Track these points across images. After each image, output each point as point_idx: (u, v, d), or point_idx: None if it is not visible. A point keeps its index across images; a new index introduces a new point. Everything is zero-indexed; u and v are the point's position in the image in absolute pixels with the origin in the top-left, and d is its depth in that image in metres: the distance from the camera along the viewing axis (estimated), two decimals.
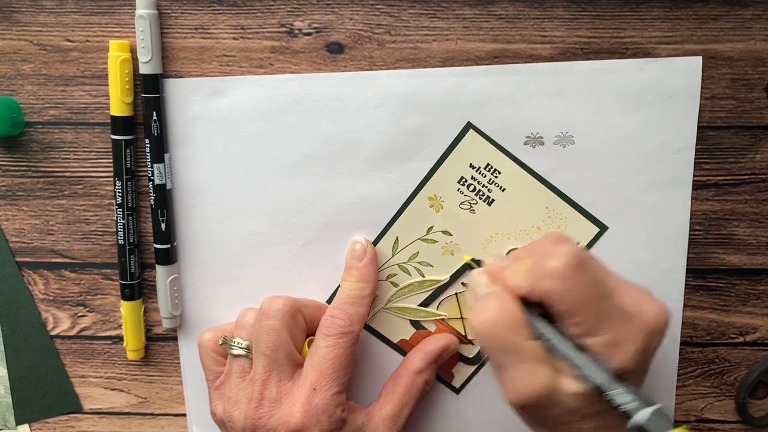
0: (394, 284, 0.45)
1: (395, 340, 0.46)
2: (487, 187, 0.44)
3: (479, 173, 0.44)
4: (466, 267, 0.45)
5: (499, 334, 0.38)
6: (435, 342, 0.45)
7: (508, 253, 0.45)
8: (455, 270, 0.46)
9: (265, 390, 0.41)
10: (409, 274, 0.45)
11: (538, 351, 0.37)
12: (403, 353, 0.46)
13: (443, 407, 0.48)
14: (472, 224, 0.45)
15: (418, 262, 0.45)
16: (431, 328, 0.46)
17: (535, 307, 0.38)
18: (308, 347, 0.43)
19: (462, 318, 0.46)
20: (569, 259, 0.36)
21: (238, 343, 0.43)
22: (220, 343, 0.44)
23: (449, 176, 0.44)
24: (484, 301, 0.39)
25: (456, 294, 0.46)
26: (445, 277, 0.46)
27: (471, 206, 0.45)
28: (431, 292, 0.46)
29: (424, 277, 0.45)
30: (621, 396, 0.35)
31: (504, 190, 0.44)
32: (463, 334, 0.46)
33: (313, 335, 0.44)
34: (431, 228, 0.45)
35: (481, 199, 0.44)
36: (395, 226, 0.45)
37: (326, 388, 0.40)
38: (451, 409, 0.48)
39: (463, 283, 0.46)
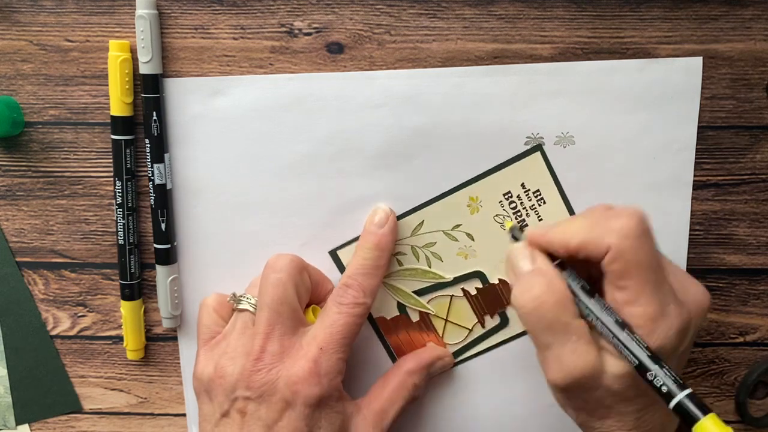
0: (399, 262, 0.45)
1: (375, 315, 0.46)
2: (527, 211, 0.44)
3: (526, 195, 0.44)
4: (474, 274, 0.45)
5: (547, 313, 0.37)
6: (430, 350, 0.46)
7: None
8: (461, 274, 0.45)
9: (267, 343, 0.40)
10: (417, 260, 0.45)
11: (584, 330, 0.37)
12: (378, 332, 0.46)
13: None
14: (496, 239, 0.45)
15: (431, 252, 0.45)
16: (414, 317, 0.46)
17: (577, 280, 0.38)
18: (313, 315, 0.43)
19: (447, 320, 0.46)
20: (639, 219, 0.36)
21: (248, 299, 0.42)
22: (228, 300, 0.43)
23: (498, 186, 0.44)
24: (529, 279, 0.38)
25: (451, 296, 0.46)
26: (449, 276, 0.46)
27: (504, 222, 0.45)
28: (430, 284, 0.46)
29: (429, 267, 0.45)
30: (662, 377, 0.34)
31: (540, 220, 0.44)
32: (441, 335, 0.46)
33: (315, 303, 0.44)
34: (458, 226, 0.45)
35: (516, 218, 0.44)
36: (425, 210, 0.45)
37: (333, 350, 0.40)
38: None
39: (463, 289, 0.46)
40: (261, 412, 0.39)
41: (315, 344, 0.40)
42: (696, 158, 0.44)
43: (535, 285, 0.37)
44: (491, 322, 0.46)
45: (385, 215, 0.44)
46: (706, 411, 0.33)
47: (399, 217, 0.45)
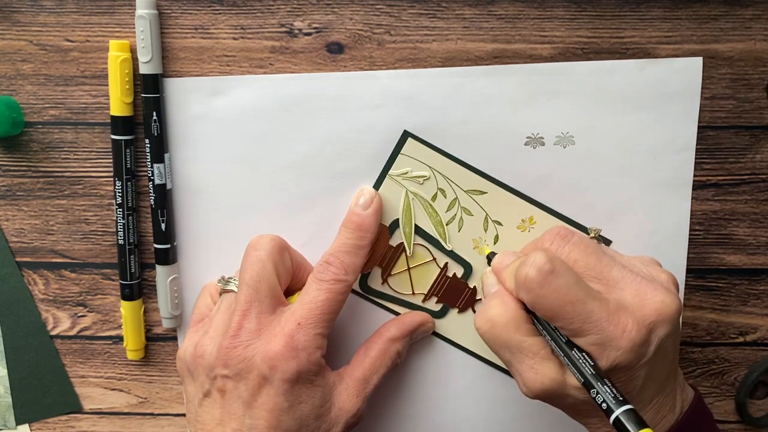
0: (443, 194, 0.45)
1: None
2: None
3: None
4: (465, 263, 0.46)
5: (500, 332, 0.39)
6: (412, 316, 0.46)
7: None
8: (458, 253, 0.45)
9: (244, 320, 0.40)
10: (449, 210, 0.45)
11: (541, 347, 0.38)
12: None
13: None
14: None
15: (462, 219, 0.45)
16: (395, 239, 0.45)
17: None
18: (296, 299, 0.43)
19: (408, 268, 0.46)
20: (538, 268, 0.36)
21: (234, 281, 0.43)
22: (217, 281, 0.44)
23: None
24: (488, 301, 0.40)
25: (433, 259, 0.45)
26: (449, 246, 0.45)
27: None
28: (431, 234, 0.45)
29: (446, 225, 0.45)
30: (601, 394, 0.35)
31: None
32: (390, 270, 0.46)
33: (297, 286, 0.44)
34: (500, 224, 0.45)
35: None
36: (500, 190, 0.45)
37: (311, 326, 0.40)
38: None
39: (445, 264, 0.46)
40: (240, 390, 0.39)
41: (293, 320, 0.40)
42: (696, 158, 0.44)
43: (491, 306, 0.39)
44: (432, 304, 0.46)
45: (370, 197, 0.43)
46: (641, 426, 0.34)
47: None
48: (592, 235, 0.43)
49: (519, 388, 0.39)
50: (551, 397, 0.38)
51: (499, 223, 0.45)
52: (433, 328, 0.46)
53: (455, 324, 0.47)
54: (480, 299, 0.46)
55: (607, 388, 0.35)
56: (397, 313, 0.46)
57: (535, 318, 0.39)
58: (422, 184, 0.44)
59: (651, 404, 0.39)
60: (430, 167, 0.44)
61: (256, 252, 0.41)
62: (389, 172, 0.44)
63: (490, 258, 0.44)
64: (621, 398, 0.35)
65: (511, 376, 0.47)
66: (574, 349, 0.37)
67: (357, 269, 0.42)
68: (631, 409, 0.34)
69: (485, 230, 0.45)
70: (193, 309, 0.45)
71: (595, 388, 0.35)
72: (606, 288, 0.38)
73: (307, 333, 0.39)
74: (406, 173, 0.44)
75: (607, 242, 0.45)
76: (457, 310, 0.46)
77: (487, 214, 0.45)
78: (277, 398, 0.39)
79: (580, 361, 0.36)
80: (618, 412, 0.34)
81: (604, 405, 0.35)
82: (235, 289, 0.42)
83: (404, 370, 0.47)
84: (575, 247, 0.39)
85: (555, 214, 0.45)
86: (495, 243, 0.45)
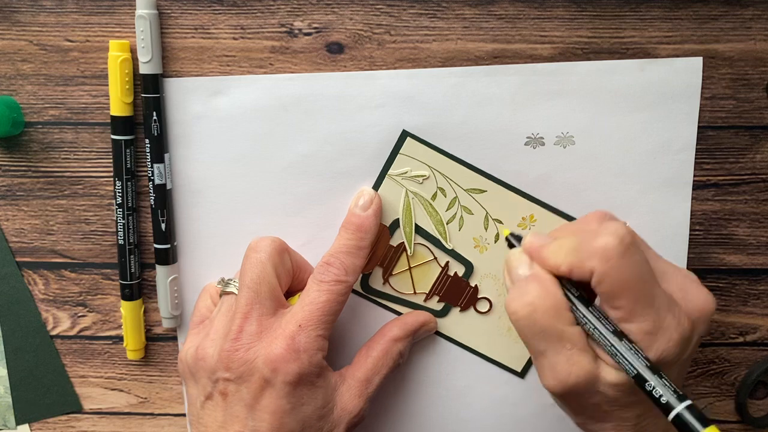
0: (444, 193, 0.45)
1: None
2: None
3: None
4: (466, 262, 0.46)
5: (540, 319, 0.36)
6: (415, 316, 0.46)
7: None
8: (459, 252, 0.45)
9: (245, 323, 0.40)
10: (449, 209, 0.45)
11: (579, 337, 0.36)
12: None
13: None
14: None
15: (462, 217, 0.45)
16: (396, 239, 0.45)
17: (573, 288, 0.36)
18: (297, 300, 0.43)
19: (410, 267, 0.46)
20: (620, 238, 0.34)
21: (234, 282, 0.43)
22: (217, 283, 0.44)
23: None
24: (524, 284, 0.37)
25: (434, 258, 0.46)
26: (450, 245, 0.45)
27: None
28: (431, 233, 0.45)
29: (446, 224, 0.45)
30: (658, 388, 0.33)
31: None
32: (391, 271, 0.46)
33: (297, 288, 0.44)
34: (500, 222, 0.45)
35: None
36: (498, 188, 0.44)
37: (312, 328, 0.40)
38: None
39: (447, 262, 0.46)
40: (242, 393, 0.39)
41: (294, 322, 0.40)
42: (696, 158, 0.44)
43: (530, 291, 0.36)
44: (434, 304, 0.46)
45: (369, 198, 0.43)
46: (706, 423, 0.32)
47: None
48: None
49: (545, 382, 0.37)
50: (579, 392, 0.36)
51: (500, 222, 0.45)
52: (436, 327, 0.46)
53: (457, 323, 0.47)
54: (482, 298, 0.46)
55: (665, 381, 0.33)
56: (398, 313, 0.46)
57: (575, 305, 0.36)
58: (422, 183, 0.44)
59: None
60: (429, 166, 0.44)
61: (256, 254, 0.41)
62: (389, 172, 0.44)
63: (509, 240, 0.41)
64: (680, 393, 0.33)
65: (515, 374, 0.47)
66: (624, 339, 0.34)
67: (357, 270, 0.42)
68: (692, 404, 0.32)
69: (486, 229, 0.45)
70: (193, 310, 0.45)
71: (649, 381, 0.33)
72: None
73: (308, 335, 0.39)
74: (406, 173, 0.44)
75: None
76: (458, 309, 0.46)
77: (487, 213, 0.45)
78: (280, 400, 0.39)
79: (632, 351, 0.34)
80: (679, 408, 0.32)
81: (663, 399, 0.32)
82: (235, 291, 0.42)
83: (406, 369, 0.47)
84: None
85: (555, 211, 0.45)
86: (496, 242, 0.45)
